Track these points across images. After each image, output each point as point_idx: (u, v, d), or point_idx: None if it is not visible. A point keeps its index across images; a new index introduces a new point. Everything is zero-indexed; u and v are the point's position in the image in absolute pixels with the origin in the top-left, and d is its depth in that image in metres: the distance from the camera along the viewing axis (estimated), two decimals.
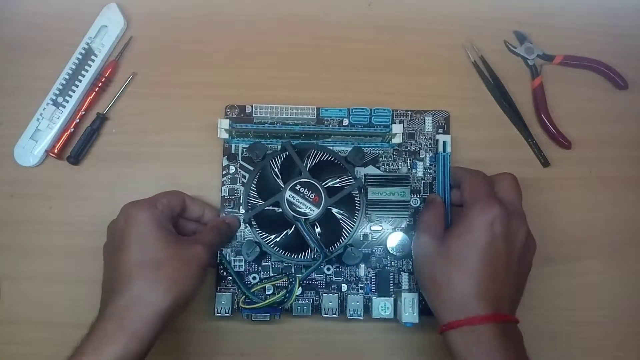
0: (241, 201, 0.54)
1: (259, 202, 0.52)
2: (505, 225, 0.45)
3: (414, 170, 0.55)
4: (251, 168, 0.54)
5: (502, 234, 0.44)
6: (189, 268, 0.44)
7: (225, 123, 0.51)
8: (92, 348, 0.39)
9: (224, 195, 0.54)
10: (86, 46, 0.56)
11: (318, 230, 0.51)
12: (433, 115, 0.56)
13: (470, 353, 0.41)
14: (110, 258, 0.45)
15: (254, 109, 0.55)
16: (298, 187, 0.50)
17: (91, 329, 0.41)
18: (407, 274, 0.54)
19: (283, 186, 0.50)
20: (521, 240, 0.46)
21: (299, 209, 0.49)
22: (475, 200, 0.46)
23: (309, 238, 0.49)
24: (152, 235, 0.44)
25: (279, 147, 0.53)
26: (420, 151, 0.56)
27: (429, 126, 0.56)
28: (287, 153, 0.52)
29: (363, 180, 0.54)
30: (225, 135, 0.52)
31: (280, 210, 0.50)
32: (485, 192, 0.47)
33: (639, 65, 0.58)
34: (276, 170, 0.52)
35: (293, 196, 0.50)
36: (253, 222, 0.52)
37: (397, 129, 0.53)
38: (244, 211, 0.53)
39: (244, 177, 0.54)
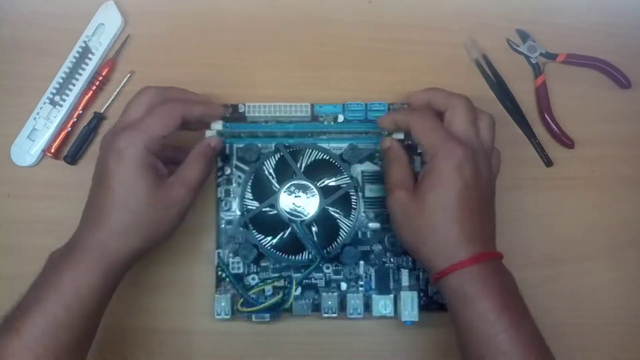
0: (237, 204, 0.53)
1: (255, 204, 0.51)
2: (472, 164, 0.45)
3: (411, 166, 0.54)
4: (246, 168, 0.53)
5: (471, 174, 0.44)
6: (168, 214, 0.45)
7: (218, 124, 0.51)
8: (71, 279, 0.42)
9: (220, 197, 0.54)
10: (83, 45, 0.56)
11: (315, 229, 0.51)
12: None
13: (463, 293, 0.42)
14: (96, 189, 0.46)
15: (247, 108, 0.54)
16: (293, 188, 0.49)
17: (69, 251, 0.44)
18: (407, 270, 0.54)
19: (278, 187, 0.50)
20: (485, 173, 0.46)
21: (295, 211, 0.49)
22: (435, 147, 0.45)
23: (305, 240, 0.49)
24: (135, 178, 0.44)
25: (274, 146, 0.53)
26: (417, 146, 0.54)
27: None
28: (281, 154, 0.51)
29: (360, 177, 0.54)
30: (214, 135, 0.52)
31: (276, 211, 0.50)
32: (441, 135, 0.46)
33: None
34: (271, 171, 0.51)
35: (288, 198, 0.49)
36: (249, 225, 0.51)
37: None
38: (239, 214, 0.52)
39: (240, 177, 0.54)
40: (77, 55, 0.56)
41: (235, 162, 0.54)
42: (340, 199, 0.51)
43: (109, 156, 0.44)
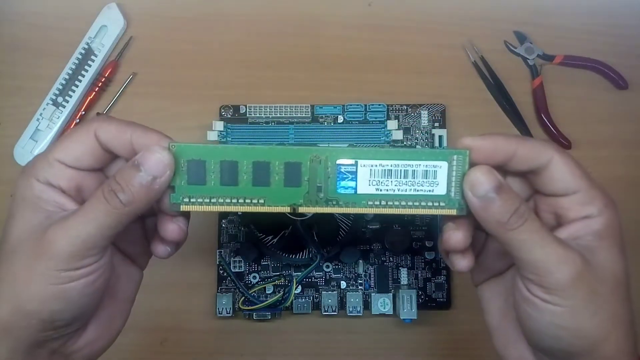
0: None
1: None
2: None
3: None
4: None
5: None
6: (36, 265, 0.29)
7: (219, 125, 0.52)
8: None
9: None
10: (86, 46, 0.56)
11: (315, 229, 0.51)
12: (429, 109, 0.56)
13: None
14: None
15: (247, 109, 0.55)
16: None
17: None
18: (405, 269, 0.54)
19: None
20: None
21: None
22: (604, 199, 0.32)
23: (305, 239, 0.49)
24: (17, 217, 0.31)
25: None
26: (417, 146, 0.55)
27: (424, 120, 0.56)
28: None
29: None
30: (216, 137, 0.52)
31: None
32: (597, 185, 0.32)
33: (639, 65, 0.58)
34: None
35: None
36: (250, 224, 0.52)
37: (392, 124, 0.53)
38: (240, 213, 0.53)
39: None
40: (79, 56, 0.56)
41: None
42: None
43: None
